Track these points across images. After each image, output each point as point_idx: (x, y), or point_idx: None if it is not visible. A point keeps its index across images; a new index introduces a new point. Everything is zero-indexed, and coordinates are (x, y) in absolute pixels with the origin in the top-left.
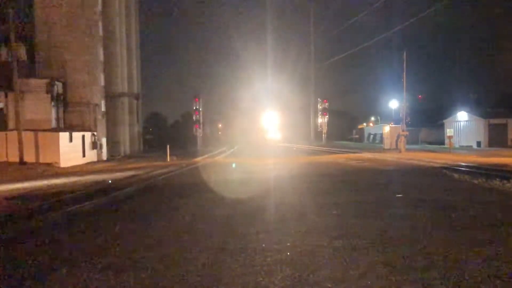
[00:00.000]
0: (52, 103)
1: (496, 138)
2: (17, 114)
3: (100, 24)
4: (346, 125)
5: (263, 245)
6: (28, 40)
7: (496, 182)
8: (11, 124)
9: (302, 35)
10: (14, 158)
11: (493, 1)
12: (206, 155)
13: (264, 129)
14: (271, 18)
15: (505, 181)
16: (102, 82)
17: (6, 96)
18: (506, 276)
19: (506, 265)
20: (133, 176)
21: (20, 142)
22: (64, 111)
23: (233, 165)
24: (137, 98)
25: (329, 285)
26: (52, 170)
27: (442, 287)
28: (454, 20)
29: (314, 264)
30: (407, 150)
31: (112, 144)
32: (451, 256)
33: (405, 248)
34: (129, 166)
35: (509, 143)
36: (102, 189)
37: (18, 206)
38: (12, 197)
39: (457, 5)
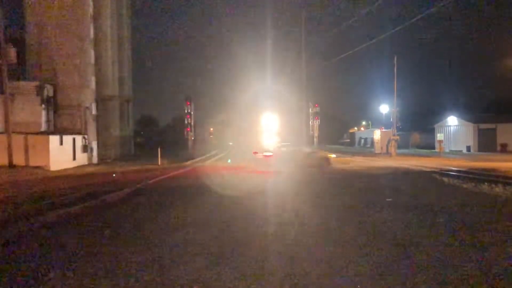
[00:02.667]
0: (43, 106)
1: (486, 143)
2: (6, 116)
3: (91, 26)
4: (337, 129)
5: (254, 249)
6: (18, 42)
7: (485, 187)
8: (0, 126)
9: (297, 39)
10: (3, 161)
11: (483, 8)
12: (197, 159)
13: (258, 132)
14: (266, 22)
15: (493, 186)
16: (93, 85)
17: None
18: (497, 278)
19: (496, 267)
20: (124, 178)
21: (9, 145)
22: (54, 114)
23: (224, 170)
24: (128, 101)
25: None
26: (42, 173)
27: None
28: (445, 26)
29: (304, 268)
30: (398, 154)
31: (103, 147)
32: (440, 260)
33: (394, 251)
34: (120, 169)
35: (498, 148)
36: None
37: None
38: None
39: (448, 11)
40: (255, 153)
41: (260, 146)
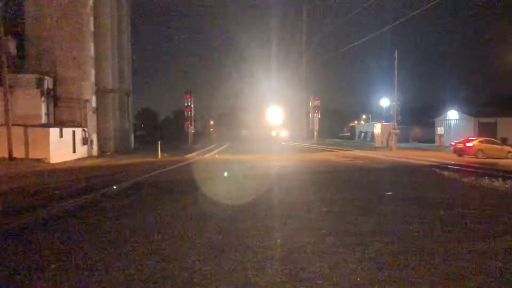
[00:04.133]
0: (42, 99)
1: (486, 137)
2: (6, 109)
3: (91, 19)
4: (337, 122)
5: (254, 242)
6: (18, 35)
7: (485, 181)
8: (0, 119)
9: (298, 32)
10: (3, 153)
11: (486, 3)
12: (197, 152)
13: (265, 126)
14: (267, 14)
15: (493, 179)
16: (93, 78)
17: None
18: (493, 272)
19: (494, 261)
20: (122, 172)
21: (9, 138)
22: (54, 107)
23: (224, 163)
24: (128, 94)
25: (319, 281)
26: (42, 166)
27: (430, 284)
28: (445, 20)
29: (304, 260)
30: (398, 148)
31: (103, 140)
32: (440, 253)
33: (394, 245)
34: (120, 162)
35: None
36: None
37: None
38: None
39: (449, 5)
40: (456, 143)
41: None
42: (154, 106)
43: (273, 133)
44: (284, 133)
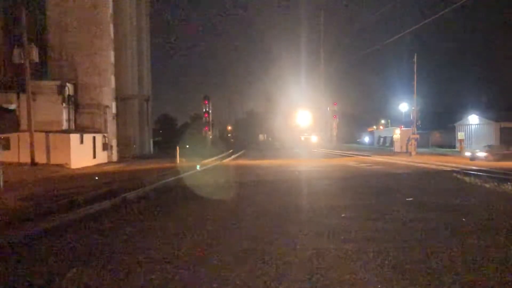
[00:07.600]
0: (64, 105)
1: (508, 142)
2: (29, 115)
3: (111, 26)
4: (356, 128)
5: (273, 247)
6: (40, 42)
7: (509, 187)
8: (23, 125)
9: (318, 37)
10: (25, 159)
11: (504, 5)
12: (215, 157)
13: (291, 130)
14: (285, 18)
15: None
16: (113, 84)
17: (18, 97)
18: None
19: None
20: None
21: (31, 143)
22: (75, 113)
23: (241, 168)
24: (147, 100)
25: None
26: (63, 171)
27: None
28: (464, 24)
29: (323, 267)
30: (418, 153)
31: (123, 145)
32: (462, 261)
33: (415, 251)
34: (139, 167)
35: None
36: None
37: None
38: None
39: (468, 8)
40: None
41: None
42: (172, 111)
43: (302, 138)
44: (314, 138)
